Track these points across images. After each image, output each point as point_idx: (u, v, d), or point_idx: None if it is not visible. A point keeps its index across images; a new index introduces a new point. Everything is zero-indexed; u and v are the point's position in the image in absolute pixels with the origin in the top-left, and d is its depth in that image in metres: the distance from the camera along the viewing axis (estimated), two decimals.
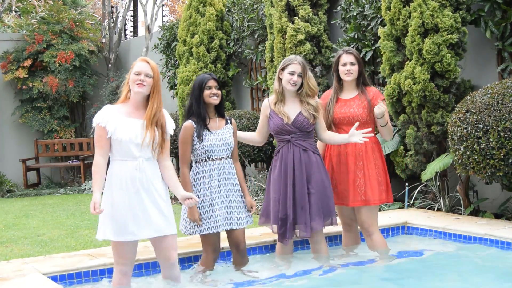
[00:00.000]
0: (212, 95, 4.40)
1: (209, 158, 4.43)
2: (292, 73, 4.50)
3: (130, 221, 3.86)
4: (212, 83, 4.41)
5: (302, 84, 4.54)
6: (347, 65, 4.71)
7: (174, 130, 4.11)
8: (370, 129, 4.55)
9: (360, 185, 4.65)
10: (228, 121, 4.55)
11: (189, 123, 4.41)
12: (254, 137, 4.84)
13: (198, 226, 4.38)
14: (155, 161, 4.00)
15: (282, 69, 4.56)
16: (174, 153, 9.98)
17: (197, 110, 4.42)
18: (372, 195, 4.64)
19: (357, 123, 4.50)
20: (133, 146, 3.86)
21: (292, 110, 4.55)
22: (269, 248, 5.10)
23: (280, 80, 4.57)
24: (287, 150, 4.54)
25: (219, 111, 4.52)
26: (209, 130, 4.41)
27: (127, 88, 3.95)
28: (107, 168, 3.94)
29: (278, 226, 4.55)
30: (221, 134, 4.45)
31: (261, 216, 4.71)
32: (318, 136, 4.69)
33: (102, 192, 3.90)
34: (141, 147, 3.87)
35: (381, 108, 4.56)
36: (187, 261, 4.75)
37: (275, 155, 4.63)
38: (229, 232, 4.49)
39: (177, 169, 9.61)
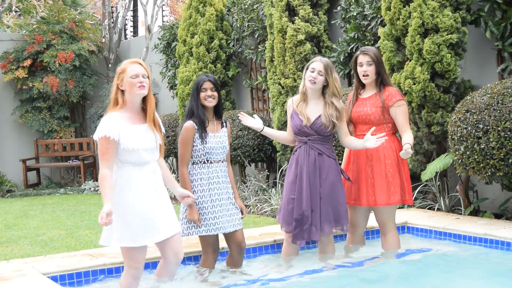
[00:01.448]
0: (208, 98, 4.37)
1: (208, 160, 4.42)
2: (312, 70, 4.50)
3: (149, 225, 3.83)
4: (207, 85, 4.37)
5: (326, 85, 4.50)
6: (363, 65, 4.65)
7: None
8: (384, 133, 4.47)
9: (371, 185, 4.63)
10: (224, 124, 4.54)
11: (190, 124, 4.39)
12: (286, 136, 4.81)
13: (198, 227, 4.37)
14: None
15: (307, 68, 4.56)
16: (174, 153, 9.99)
17: (196, 112, 4.40)
18: (380, 196, 4.60)
19: (372, 128, 4.45)
20: (145, 152, 3.85)
21: (313, 112, 4.52)
22: (268, 248, 5.10)
23: (305, 80, 4.57)
24: (303, 152, 4.53)
25: (217, 113, 4.50)
26: (208, 132, 4.41)
27: (120, 93, 3.85)
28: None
29: (293, 226, 4.51)
30: (219, 137, 4.45)
31: (278, 212, 4.71)
32: (340, 141, 4.65)
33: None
34: (151, 151, 3.88)
35: (407, 155, 4.43)
36: (186, 260, 4.75)
37: (293, 154, 4.64)
38: (231, 233, 4.47)
39: (177, 169, 9.60)
